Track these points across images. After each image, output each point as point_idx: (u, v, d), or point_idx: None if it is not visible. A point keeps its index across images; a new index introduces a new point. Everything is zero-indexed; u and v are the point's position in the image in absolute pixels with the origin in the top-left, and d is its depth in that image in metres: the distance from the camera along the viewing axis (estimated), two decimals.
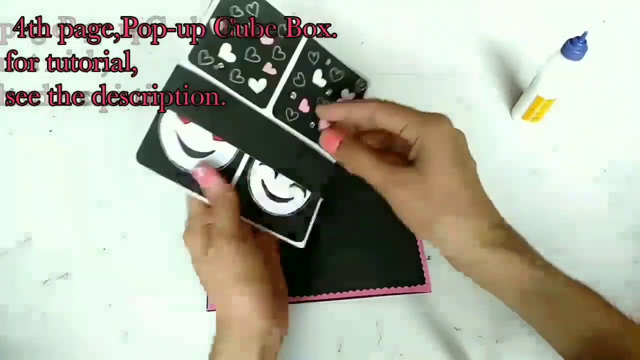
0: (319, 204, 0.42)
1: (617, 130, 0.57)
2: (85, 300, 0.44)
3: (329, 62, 0.41)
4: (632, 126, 0.57)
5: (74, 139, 0.50)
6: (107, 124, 0.51)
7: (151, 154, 0.35)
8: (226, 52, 0.36)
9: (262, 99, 0.38)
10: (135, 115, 0.51)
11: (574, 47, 0.45)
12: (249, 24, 0.37)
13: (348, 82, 0.42)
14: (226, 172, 0.37)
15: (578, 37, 0.45)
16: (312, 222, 0.41)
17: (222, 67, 0.36)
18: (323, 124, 0.38)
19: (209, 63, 0.35)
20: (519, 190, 0.52)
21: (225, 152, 0.37)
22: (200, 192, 0.36)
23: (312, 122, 0.40)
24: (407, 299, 0.47)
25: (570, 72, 0.47)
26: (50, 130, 0.50)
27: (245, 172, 0.38)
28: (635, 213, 0.53)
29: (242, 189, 0.38)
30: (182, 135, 0.36)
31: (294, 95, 0.39)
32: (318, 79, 0.40)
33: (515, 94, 0.58)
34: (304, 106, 0.40)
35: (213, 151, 0.37)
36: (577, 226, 0.51)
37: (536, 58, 0.60)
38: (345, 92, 0.42)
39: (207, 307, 0.44)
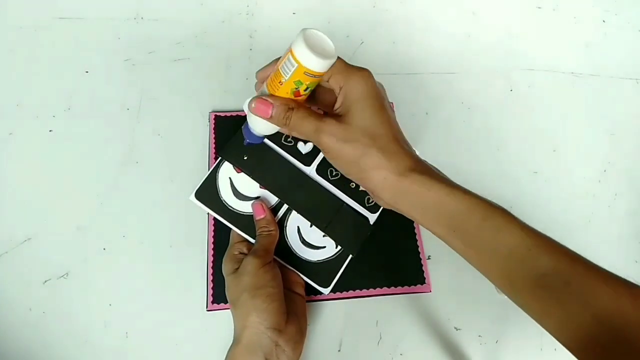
0: (349, 258, 0.44)
1: (617, 131, 0.57)
2: (85, 300, 0.44)
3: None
4: (633, 126, 0.57)
5: (74, 139, 0.50)
6: (107, 124, 0.51)
7: (207, 194, 0.43)
8: None
9: (307, 159, 0.45)
10: (135, 116, 0.52)
11: None
12: None
13: None
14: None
15: None
16: (339, 273, 0.44)
17: (277, 131, 0.40)
18: (258, 91, 0.39)
19: None
20: (519, 190, 0.52)
21: (269, 198, 0.44)
22: (242, 229, 0.43)
23: (353, 183, 0.45)
24: (407, 299, 0.47)
25: None
26: (50, 130, 0.50)
27: (284, 217, 0.44)
28: (635, 213, 0.53)
29: (279, 231, 0.43)
30: (235, 182, 0.44)
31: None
32: None
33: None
34: None
35: (259, 197, 0.44)
36: (577, 226, 0.51)
37: (536, 58, 0.61)
38: None
39: (207, 307, 0.44)
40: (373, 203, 0.46)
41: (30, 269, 0.45)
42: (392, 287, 0.46)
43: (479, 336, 0.46)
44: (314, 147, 0.45)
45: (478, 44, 0.60)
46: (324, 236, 0.44)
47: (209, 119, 0.51)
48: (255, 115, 0.35)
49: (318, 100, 0.38)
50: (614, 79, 0.60)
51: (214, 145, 0.49)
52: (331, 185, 0.45)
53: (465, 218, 0.32)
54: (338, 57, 0.34)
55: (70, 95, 0.51)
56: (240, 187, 0.44)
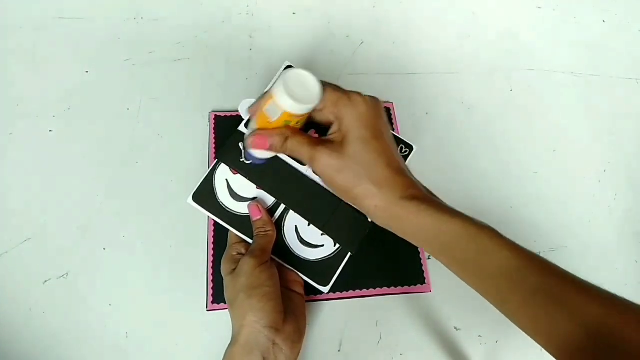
0: (348, 256, 0.44)
1: (617, 131, 0.57)
2: (85, 300, 0.44)
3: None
4: (633, 126, 0.57)
5: (74, 139, 0.50)
6: (107, 124, 0.51)
7: (205, 196, 0.43)
8: None
9: None
10: (135, 116, 0.52)
11: None
12: None
13: None
14: (268, 212, 0.44)
15: None
16: (339, 271, 0.43)
17: None
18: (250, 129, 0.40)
19: None
20: (519, 190, 0.52)
21: (266, 199, 0.44)
22: (239, 230, 0.43)
23: None
24: (407, 299, 0.47)
25: None
26: (50, 130, 0.50)
27: (281, 216, 0.44)
28: (635, 213, 0.53)
29: (277, 231, 0.43)
30: (232, 183, 0.44)
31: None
32: None
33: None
34: None
35: (255, 197, 0.44)
36: (577, 226, 0.51)
37: (536, 58, 0.61)
38: None
39: (207, 307, 0.44)
40: None
41: (30, 269, 0.45)
42: (392, 287, 0.46)
43: (479, 336, 0.46)
44: None
45: (478, 44, 0.60)
46: (322, 235, 0.44)
47: (209, 119, 0.51)
48: (256, 149, 0.37)
49: (315, 119, 0.38)
50: (614, 79, 0.60)
51: (214, 145, 0.49)
52: None
53: (454, 241, 0.32)
54: (328, 85, 0.35)
55: (70, 95, 0.51)
56: (237, 188, 0.44)
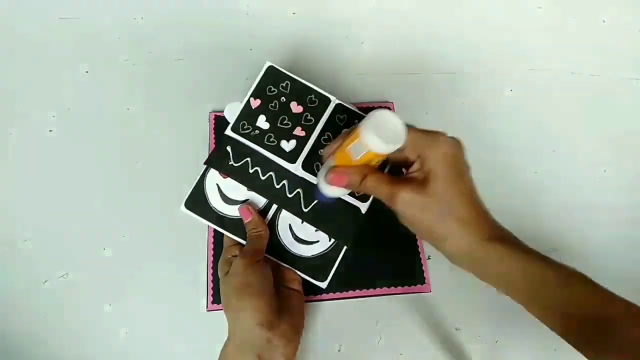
0: (344, 249, 0.44)
1: (617, 131, 0.57)
2: (85, 300, 0.44)
3: (357, 121, 0.45)
4: (633, 126, 0.57)
5: (74, 139, 0.50)
6: (107, 124, 0.51)
7: (197, 202, 0.44)
8: (262, 122, 0.45)
9: (292, 156, 0.44)
10: (135, 116, 0.51)
11: None
12: (282, 99, 0.46)
13: None
14: (260, 213, 0.44)
15: None
16: (335, 265, 0.44)
17: (258, 133, 0.45)
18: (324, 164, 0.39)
19: (248, 131, 0.45)
20: (520, 191, 0.52)
21: (257, 200, 0.44)
22: (233, 232, 0.43)
23: None
24: (407, 299, 0.47)
25: None
26: (50, 130, 0.50)
27: (274, 216, 0.44)
28: (635, 213, 0.53)
29: (270, 230, 0.43)
30: (222, 187, 0.44)
31: (322, 152, 0.44)
32: None
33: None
34: None
35: (247, 199, 0.44)
36: (577, 227, 0.51)
37: (536, 58, 0.60)
38: None
39: (207, 307, 0.44)
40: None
41: (30, 269, 0.45)
42: (392, 287, 0.46)
43: (479, 336, 0.46)
44: (297, 144, 0.45)
45: (478, 44, 0.60)
46: (316, 231, 0.44)
47: (209, 119, 0.51)
48: (332, 185, 0.36)
49: (390, 159, 0.37)
50: (614, 79, 0.60)
51: (214, 146, 0.49)
52: None
53: (540, 287, 0.32)
54: (411, 127, 0.34)
55: (70, 95, 0.51)
56: (228, 192, 0.44)
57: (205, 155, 0.49)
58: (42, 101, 0.51)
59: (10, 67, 0.52)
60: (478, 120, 0.56)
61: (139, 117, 0.51)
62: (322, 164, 0.39)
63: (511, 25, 0.62)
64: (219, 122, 0.51)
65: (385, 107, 0.53)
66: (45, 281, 0.44)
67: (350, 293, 0.46)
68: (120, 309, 0.44)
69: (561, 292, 0.31)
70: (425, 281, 0.47)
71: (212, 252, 0.46)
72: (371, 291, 0.46)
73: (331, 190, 0.37)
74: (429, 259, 0.48)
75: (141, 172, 0.49)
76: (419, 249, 0.48)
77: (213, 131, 0.50)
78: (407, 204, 0.34)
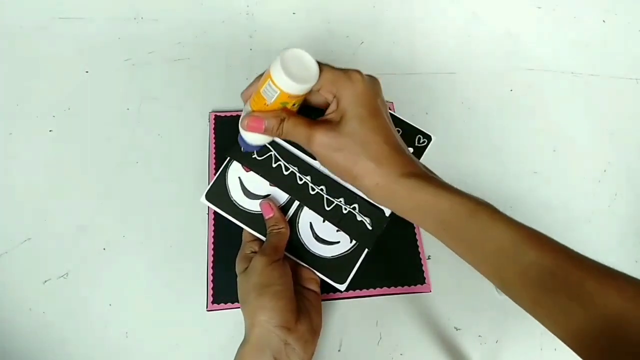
0: (365, 252, 0.43)
1: (617, 131, 0.57)
2: (85, 300, 0.44)
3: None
4: (633, 126, 0.57)
5: (74, 139, 0.50)
6: (107, 124, 0.51)
7: (217, 194, 0.43)
8: None
9: None
10: (135, 116, 0.52)
11: None
12: None
13: (408, 138, 0.45)
14: (281, 210, 0.43)
15: None
16: (355, 268, 0.43)
17: None
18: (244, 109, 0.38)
19: None
20: (519, 191, 0.52)
21: (279, 196, 0.43)
22: (253, 228, 0.42)
23: None
24: (407, 299, 0.47)
25: None
26: (50, 130, 0.50)
27: (295, 213, 0.43)
28: (635, 213, 0.53)
29: (290, 228, 0.42)
30: (244, 181, 0.43)
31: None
32: None
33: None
34: None
35: (269, 194, 0.43)
36: (577, 226, 0.51)
37: (536, 58, 0.61)
38: None
39: (207, 307, 0.44)
40: None
41: (30, 269, 0.45)
42: (392, 287, 0.46)
43: (479, 336, 0.46)
44: None
45: (478, 44, 0.60)
46: (337, 231, 0.43)
47: (209, 119, 0.51)
48: (250, 132, 0.35)
49: (310, 102, 0.37)
50: (614, 79, 0.60)
51: (214, 145, 0.49)
52: None
53: (453, 216, 0.32)
54: (325, 66, 0.34)
55: (70, 95, 0.51)
56: (250, 186, 0.43)
57: (205, 156, 0.49)
58: (42, 101, 0.51)
59: (10, 67, 0.52)
60: (478, 120, 0.56)
61: (139, 117, 0.51)
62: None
63: (511, 25, 0.62)
64: (219, 122, 0.51)
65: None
66: (45, 281, 0.44)
67: (351, 293, 0.46)
68: (120, 309, 0.44)
69: (467, 223, 0.31)
70: (425, 281, 0.47)
71: (212, 252, 0.46)
72: (371, 291, 0.46)
73: (252, 138, 0.36)
74: (429, 259, 0.48)
75: (141, 172, 0.49)
76: (419, 249, 0.48)
77: (213, 131, 0.50)
78: (322, 146, 0.34)
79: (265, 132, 0.35)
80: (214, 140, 0.50)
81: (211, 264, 0.45)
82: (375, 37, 0.59)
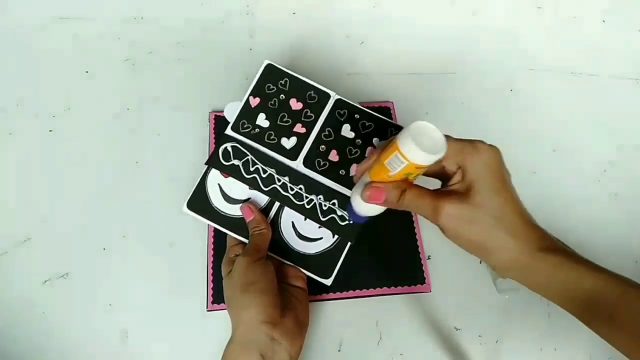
0: (348, 245, 0.44)
1: (617, 131, 0.57)
2: (85, 300, 0.44)
3: (357, 116, 0.46)
4: (633, 126, 0.57)
5: (74, 139, 0.50)
6: (107, 124, 0.51)
7: (199, 202, 0.44)
8: (261, 120, 0.45)
9: (293, 153, 0.45)
10: (135, 116, 0.52)
11: None
12: (281, 96, 0.46)
13: (380, 131, 0.46)
14: (262, 211, 0.44)
15: None
16: (340, 262, 0.43)
17: (258, 131, 0.45)
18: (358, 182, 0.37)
19: (248, 129, 0.45)
20: (519, 191, 0.52)
21: (259, 198, 0.44)
22: (236, 232, 0.43)
23: (342, 170, 0.44)
24: (407, 299, 0.47)
25: None
26: (50, 130, 0.50)
27: (277, 214, 0.44)
28: (635, 213, 0.53)
29: (273, 228, 0.43)
30: (224, 186, 0.44)
31: (323, 148, 0.45)
32: (347, 131, 0.46)
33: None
34: (334, 156, 0.45)
35: (249, 198, 0.44)
36: (577, 226, 0.51)
37: (536, 58, 0.61)
38: (376, 141, 0.46)
39: (207, 307, 0.44)
40: None
41: (30, 269, 0.45)
42: (392, 287, 0.46)
43: (479, 336, 0.46)
44: (298, 141, 0.45)
45: (478, 44, 0.60)
46: (319, 228, 0.44)
47: (209, 119, 0.51)
48: (370, 202, 0.34)
49: (427, 172, 0.36)
50: (614, 79, 0.60)
51: (213, 146, 0.49)
52: (321, 176, 0.44)
53: (601, 297, 0.30)
54: (450, 137, 0.33)
55: (70, 95, 0.52)
56: (229, 191, 0.44)
57: (205, 155, 0.49)
58: (42, 101, 0.51)
59: (10, 67, 0.52)
60: (478, 120, 0.56)
61: (139, 117, 0.51)
62: (347, 180, 0.39)
63: (511, 25, 0.62)
64: (219, 122, 0.51)
65: (386, 106, 0.53)
66: (45, 281, 0.44)
67: (351, 293, 0.46)
68: (120, 309, 0.44)
69: (618, 303, 0.30)
70: (425, 281, 0.47)
71: (212, 252, 0.46)
72: (371, 291, 0.46)
73: (367, 209, 0.36)
74: (429, 259, 0.48)
75: (141, 172, 0.49)
76: (419, 249, 0.48)
77: (213, 131, 0.50)
78: (452, 218, 0.32)
79: (385, 203, 0.34)
80: (213, 140, 0.50)
81: (211, 264, 0.45)
82: (375, 37, 0.59)
